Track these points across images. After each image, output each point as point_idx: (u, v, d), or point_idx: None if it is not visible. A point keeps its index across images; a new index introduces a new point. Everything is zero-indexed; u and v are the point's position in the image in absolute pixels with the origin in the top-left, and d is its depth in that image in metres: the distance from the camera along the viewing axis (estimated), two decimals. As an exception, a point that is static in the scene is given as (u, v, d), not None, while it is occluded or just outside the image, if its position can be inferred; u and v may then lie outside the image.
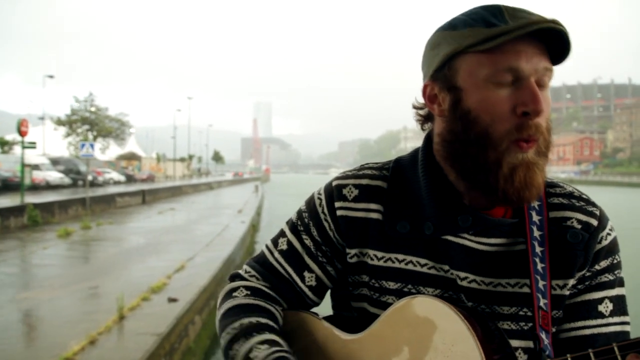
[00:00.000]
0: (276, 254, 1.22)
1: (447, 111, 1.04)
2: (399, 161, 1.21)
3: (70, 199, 23.47)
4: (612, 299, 1.10)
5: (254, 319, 1.11)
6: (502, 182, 0.98)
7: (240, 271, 1.26)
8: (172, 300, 8.61)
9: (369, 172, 1.19)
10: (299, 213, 1.23)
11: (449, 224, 1.08)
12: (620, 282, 1.12)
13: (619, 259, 1.12)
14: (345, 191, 1.16)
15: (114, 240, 15.87)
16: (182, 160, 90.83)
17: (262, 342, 1.05)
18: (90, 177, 32.36)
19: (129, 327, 7.16)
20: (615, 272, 1.12)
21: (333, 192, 1.17)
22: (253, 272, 1.23)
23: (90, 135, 49.00)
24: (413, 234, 1.10)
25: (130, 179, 52.77)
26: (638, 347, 0.81)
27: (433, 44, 1.06)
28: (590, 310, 1.09)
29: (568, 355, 0.87)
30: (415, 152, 1.19)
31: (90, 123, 49.45)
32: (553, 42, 0.97)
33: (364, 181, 1.17)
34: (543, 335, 1.03)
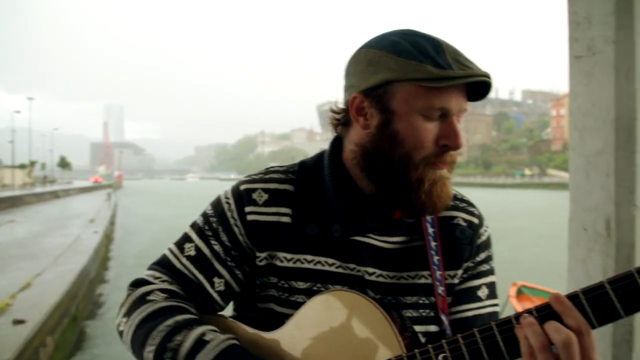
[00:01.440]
0: (184, 260, 1.19)
1: (373, 128, 1.11)
2: (303, 165, 1.25)
3: None
4: (487, 285, 1.27)
5: (187, 316, 1.09)
6: (423, 196, 1.08)
7: (145, 277, 1.21)
8: (18, 322, 7.80)
9: (276, 175, 1.22)
10: (206, 217, 1.22)
11: (357, 226, 1.16)
12: (492, 271, 1.29)
13: (492, 252, 1.30)
14: (255, 195, 1.18)
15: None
16: (22, 167, 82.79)
17: (212, 330, 1.05)
18: None
19: (-33, 356, 6.39)
20: (490, 263, 1.29)
21: (243, 197, 1.18)
22: (163, 277, 1.19)
23: None
24: (322, 236, 1.16)
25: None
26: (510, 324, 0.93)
27: (371, 61, 1.10)
28: (472, 295, 1.24)
29: (458, 336, 0.97)
30: (319, 156, 1.25)
31: None
32: (476, 87, 1.10)
33: (273, 185, 1.20)
34: (444, 318, 1.17)
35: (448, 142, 1.08)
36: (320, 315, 1.08)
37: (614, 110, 1.52)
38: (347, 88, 1.15)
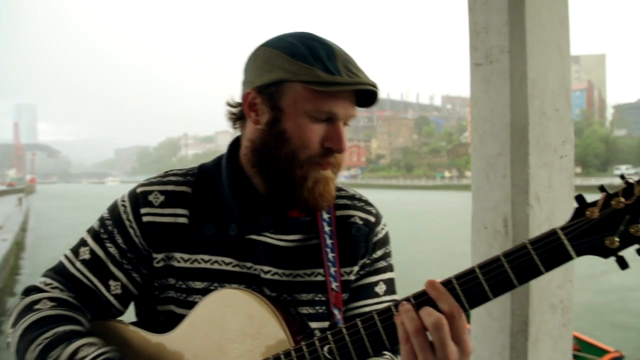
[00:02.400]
0: (78, 264, 1.18)
1: (263, 124, 1.15)
2: (203, 167, 1.27)
3: None
4: (385, 281, 1.32)
5: (68, 328, 1.07)
6: (306, 193, 1.13)
7: (37, 284, 1.19)
8: None
9: (173, 178, 1.23)
10: (102, 221, 1.22)
11: (253, 225, 1.19)
12: (391, 268, 1.35)
13: (390, 249, 1.35)
14: (151, 197, 1.19)
15: None
16: None
17: (89, 344, 1.04)
18: None
19: None
20: (388, 259, 1.34)
21: (138, 199, 1.19)
22: (55, 284, 1.17)
23: None
24: (218, 236, 1.18)
25: None
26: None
27: (267, 60, 1.14)
28: (369, 291, 1.29)
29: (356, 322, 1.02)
30: (219, 159, 1.28)
31: None
32: (364, 95, 1.15)
33: (170, 187, 1.21)
34: (336, 312, 1.20)
35: (332, 144, 1.13)
36: (211, 315, 1.11)
37: (509, 115, 1.63)
38: (244, 83, 1.19)
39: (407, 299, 0.98)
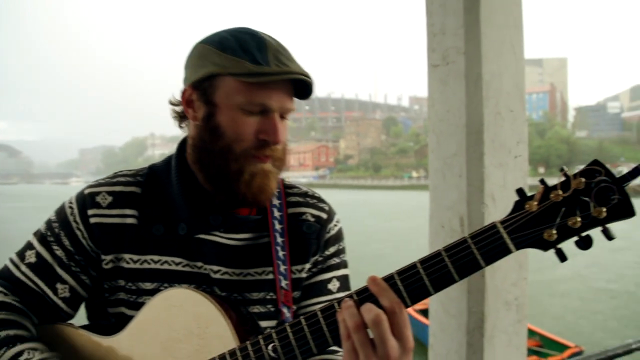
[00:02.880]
0: (23, 268, 1.16)
1: (200, 120, 1.14)
2: (152, 167, 1.26)
3: None
4: (339, 278, 1.31)
5: (10, 332, 1.06)
6: (243, 186, 1.12)
7: None
8: None
9: (122, 179, 1.22)
10: (48, 223, 1.20)
11: (202, 224, 1.18)
12: (345, 264, 1.34)
13: (343, 245, 1.35)
14: (98, 198, 1.18)
15: None
16: None
17: (31, 349, 1.03)
18: None
19: None
20: (341, 256, 1.34)
21: (86, 200, 1.17)
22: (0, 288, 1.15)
23: None
24: (168, 236, 1.17)
25: None
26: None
27: (200, 56, 1.15)
28: (322, 288, 1.29)
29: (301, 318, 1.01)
30: (168, 159, 1.26)
31: None
32: (300, 86, 1.15)
33: (118, 188, 1.20)
34: (285, 310, 1.20)
35: (267, 136, 1.13)
36: (158, 315, 1.10)
37: (465, 116, 1.65)
38: (183, 81, 1.19)
39: (350, 296, 0.97)
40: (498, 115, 1.67)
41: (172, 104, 1.24)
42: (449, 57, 1.70)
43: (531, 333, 11.68)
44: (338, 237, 1.34)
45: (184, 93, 1.17)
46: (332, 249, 1.32)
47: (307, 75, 1.12)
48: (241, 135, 1.11)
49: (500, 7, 1.68)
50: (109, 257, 1.16)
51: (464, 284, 1.70)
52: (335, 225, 1.34)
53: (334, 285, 1.30)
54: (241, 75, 1.08)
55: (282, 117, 1.16)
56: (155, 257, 1.17)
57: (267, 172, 1.15)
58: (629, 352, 2.59)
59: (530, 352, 10.97)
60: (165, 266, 1.16)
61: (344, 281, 1.33)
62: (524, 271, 1.80)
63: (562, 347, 10.66)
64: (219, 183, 1.15)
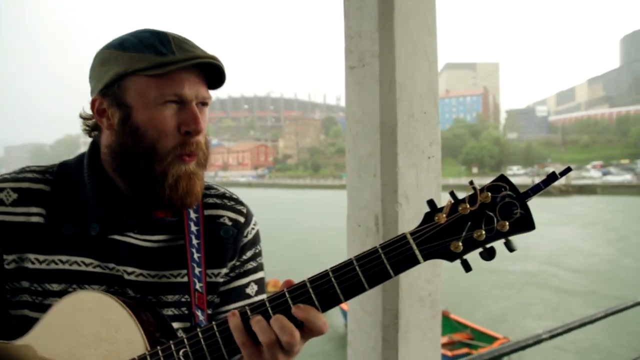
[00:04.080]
0: None
1: (116, 125, 1.11)
2: (64, 165, 1.22)
3: None
4: (256, 282, 1.32)
5: None
6: (168, 191, 1.11)
7: None
8: None
9: (30, 175, 1.18)
10: None
11: (115, 224, 1.15)
12: (261, 267, 1.35)
13: (260, 248, 1.35)
14: (2, 195, 1.13)
15: None
16: None
17: None
18: None
19: None
20: (258, 260, 1.33)
21: None
22: None
23: None
24: (78, 235, 1.13)
25: None
26: (261, 308, 0.99)
27: (102, 60, 1.12)
28: (240, 293, 1.28)
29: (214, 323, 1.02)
30: (81, 157, 1.23)
31: None
32: (212, 73, 1.14)
33: (25, 185, 1.15)
34: (199, 313, 1.18)
35: (188, 127, 1.11)
36: (64, 319, 1.07)
37: (379, 117, 1.69)
38: (90, 93, 1.16)
39: (262, 305, 0.99)
40: (411, 117, 1.72)
41: (83, 117, 1.21)
42: (365, 60, 1.73)
43: (463, 327, 12.13)
44: (255, 240, 1.34)
45: (93, 104, 1.14)
46: (249, 253, 1.31)
47: (215, 59, 1.11)
48: (163, 132, 1.09)
49: (414, 12, 1.73)
50: (10, 257, 1.11)
51: (379, 282, 1.74)
52: (253, 229, 1.33)
53: (251, 289, 1.30)
54: (148, 69, 1.07)
55: (200, 107, 1.14)
56: (64, 257, 1.13)
57: (191, 174, 1.13)
58: (539, 342, 2.74)
59: (462, 344, 11.39)
60: (75, 267, 1.13)
61: (261, 284, 1.34)
62: (438, 268, 1.86)
63: (491, 339, 11.11)
64: (142, 187, 1.12)
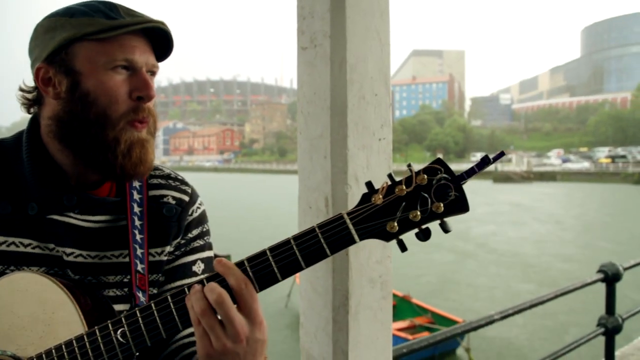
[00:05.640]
0: None
1: (64, 93, 1.08)
2: (1, 143, 1.18)
3: None
4: (203, 260, 1.31)
5: None
6: (120, 158, 1.09)
7: None
8: None
9: None
10: None
11: (54, 204, 1.12)
12: (209, 246, 1.34)
13: (207, 227, 1.34)
14: None
15: None
16: None
17: None
18: None
19: None
20: (205, 238, 1.32)
21: None
22: None
23: None
24: (15, 215, 1.11)
25: None
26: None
27: (47, 29, 1.09)
28: (186, 271, 1.27)
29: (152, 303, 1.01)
30: (19, 134, 1.19)
31: None
32: (159, 43, 1.14)
33: None
34: (139, 294, 1.17)
35: (140, 92, 1.10)
36: (1, 299, 1.04)
37: (329, 98, 1.69)
38: (32, 63, 1.13)
39: (200, 281, 0.98)
40: (362, 99, 1.71)
41: (23, 90, 1.17)
42: (317, 40, 1.72)
43: (424, 311, 12.37)
44: (201, 219, 1.32)
45: (37, 72, 1.10)
46: (195, 232, 1.30)
47: (164, 25, 1.11)
48: (114, 97, 1.07)
49: (366, -6, 1.73)
50: None
51: (329, 263, 1.75)
52: (199, 208, 1.32)
53: (198, 267, 1.29)
54: (97, 32, 1.05)
55: (149, 75, 1.13)
56: (1, 238, 1.10)
57: (143, 141, 1.12)
58: (491, 322, 2.81)
59: (423, 328, 11.63)
60: (12, 247, 1.10)
61: (209, 263, 1.32)
62: (388, 250, 1.88)
63: (451, 322, 11.36)
64: (93, 154, 1.09)
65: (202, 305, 0.94)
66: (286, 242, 0.97)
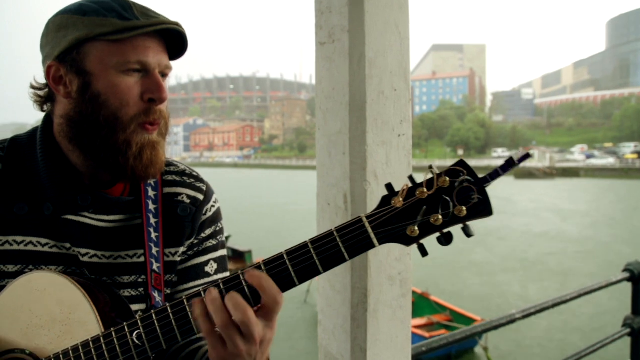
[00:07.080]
0: None
1: (74, 93, 1.07)
2: (15, 140, 1.17)
3: None
4: (216, 260, 1.29)
5: None
6: (132, 160, 1.07)
7: None
8: None
9: None
10: None
11: (69, 204, 1.11)
12: (222, 245, 1.32)
13: (221, 226, 1.31)
14: None
15: None
16: None
17: None
18: None
19: None
20: (218, 237, 1.30)
21: None
22: None
23: None
24: (32, 215, 1.10)
25: None
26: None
27: (59, 26, 1.07)
28: (199, 272, 1.26)
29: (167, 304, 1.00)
30: (33, 132, 1.18)
31: None
32: (173, 42, 1.11)
33: None
34: (155, 294, 1.16)
35: (152, 95, 1.08)
36: (18, 300, 1.04)
37: (348, 94, 1.66)
38: (44, 60, 1.11)
39: (217, 285, 0.96)
40: (381, 94, 1.69)
41: (34, 88, 1.15)
42: (335, 35, 1.70)
43: (442, 308, 12.30)
44: (215, 218, 1.30)
45: (48, 70, 1.09)
46: (208, 231, 1.28)
47: (179, 26, 1.08)
48: (125, 100, 1.05)
49: (386, -13, 1.70)
50: None
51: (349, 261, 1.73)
52: (213, 206, 1.30)
53: (211, 267, 1.28)
54: (110, 34, 1.02)
55: (161, 77, 1.11)
56: (19, 238, 1.09)
57: (154, 143, 1.10)
58: (512, 321, 2.76)
59: (441, 326, 11.56)
60: (30, 247, 1.09)
61: (222, 262, 1.31)
62: (408, 247, 1.85)
63: (469, 321, 11.27)
64: (104, 156, 1.08)
65: (224, 319, 0.91)
66: (304, 246, 0.94)
